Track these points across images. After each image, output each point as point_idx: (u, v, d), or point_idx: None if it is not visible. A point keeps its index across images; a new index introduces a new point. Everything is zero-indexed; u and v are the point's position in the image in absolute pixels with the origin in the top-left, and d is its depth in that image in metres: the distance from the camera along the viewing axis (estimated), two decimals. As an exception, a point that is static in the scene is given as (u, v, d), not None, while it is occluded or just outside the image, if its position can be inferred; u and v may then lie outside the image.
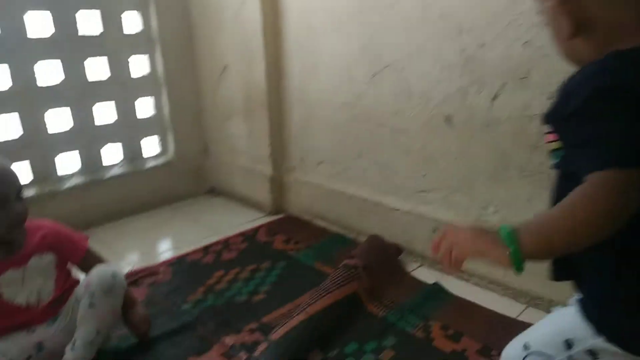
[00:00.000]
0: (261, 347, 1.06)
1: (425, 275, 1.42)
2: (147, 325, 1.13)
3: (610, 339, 0.62)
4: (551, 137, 0.61)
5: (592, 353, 0.63)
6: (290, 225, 1.79)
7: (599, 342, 0.62)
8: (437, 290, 1.32)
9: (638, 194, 0.52)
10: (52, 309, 1.03)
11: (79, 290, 1.03)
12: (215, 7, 1.84)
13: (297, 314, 1.15)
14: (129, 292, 1.10)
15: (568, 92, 0.58)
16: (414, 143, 1.44)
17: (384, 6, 1.39)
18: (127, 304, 1.09)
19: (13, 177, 0.97)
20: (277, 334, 1.09)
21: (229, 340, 1.14)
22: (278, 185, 1.89)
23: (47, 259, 1.03)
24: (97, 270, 1.03)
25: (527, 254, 0.55)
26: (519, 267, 0.55)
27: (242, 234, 1.71)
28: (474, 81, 1.26)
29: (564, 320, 0.68)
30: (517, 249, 0.55)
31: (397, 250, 1.50)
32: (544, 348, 0.67)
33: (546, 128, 0.63)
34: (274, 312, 1.25)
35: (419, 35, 1.34)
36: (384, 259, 1.39)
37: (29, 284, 1.00)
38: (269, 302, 1.29)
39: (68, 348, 0.98)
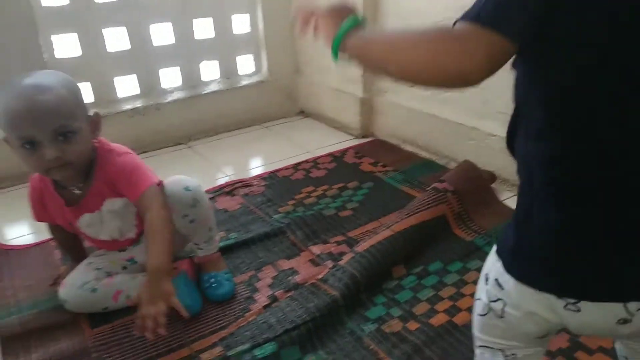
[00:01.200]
0: (347, 257, 1.10)
1: (519, 204, 1.36)
2: None
3: (500, 257, 0.54)
4: None
5: (499, 284, 0.54)
6: (378, 148, 1.77)
7: (500, 268, 0.54)
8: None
9: (492, 62, 0.46)
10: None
11: None
12: None
13: (383, 231, 1.16)
14: None
15: None
16: (520, 63, 1.32)
17: None
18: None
19: (50, 115, 0.83)
20: (362, 247, 1.11)
21: (316, 249, 1.19)
22: (368, 107, 1.86)
23: (119, 203, 0.96)
24: (170, 193, 0.96)
25: (347, 47, 0.56)
26: (334, 54, 0.58)
27: (330, 154, 1.73)
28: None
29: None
30: (340, 39, 0.57)
31: (491, 177, 1.44)
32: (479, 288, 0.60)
33: None
34: (359, 227, 1.27)
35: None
36: (475, 186, 1.34)
37: (108, 224, 0.98)
38: (355, 218, 1.32)
39: (195, 250, 1.06)
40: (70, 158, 0.86)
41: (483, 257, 1.08)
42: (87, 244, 1.09)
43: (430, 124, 1.65)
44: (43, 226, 1.08)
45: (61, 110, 0.84)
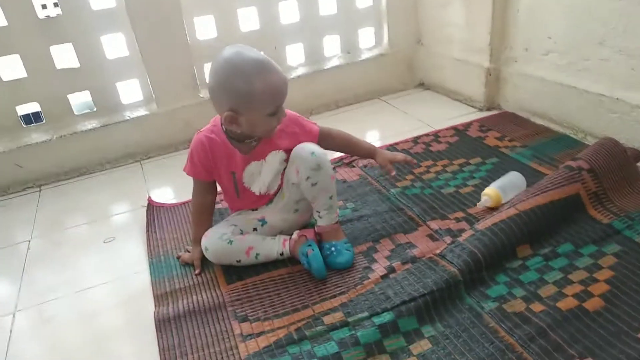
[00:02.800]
0: (466, 234, 1.07)
1: (671, 186, 1.20)
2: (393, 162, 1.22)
3: None
4: None
5: None
6: (505, 121, 1.67)
7: None
8: (685, 204, 1.12)
9: None
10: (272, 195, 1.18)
11: (289, 175, 1.12)
12: None
13: (507, 209, 1.11)
14: (360, 145, 1.24)
15: None
16: (683, 24, 1.15)
17: None
18: (370, 153, 1.23)
19: (287, 84, 1.02)
20: (483, 225, 1.08)
21: (435, 224, 1.19)
22: (494, 78, 1.76)
23: (280, 156, 1.12)
24: (298, 157, 1.08)
25: None
26: None
27: (453, 128, 1.68)
28: None
29: None
30: None
31: (636, 155, 1.29)
32: None
33: None
34: (484, 207, 1.23)
35: None
36: (617, 164, 1.21)
37: (264, 176, 1.12)
38: (477, 195, 1.28)
39: (316, 216, 1.13)
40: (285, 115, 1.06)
41: (622, 242, 1.01)
42: (234, 203, 1.20)
43: (566, 96, 1.52)
44: (185, 193, 1.21)
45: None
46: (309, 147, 1.08)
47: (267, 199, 1.17)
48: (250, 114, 0.99)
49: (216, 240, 1.10)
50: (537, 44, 1.58)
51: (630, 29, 1.27)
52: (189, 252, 1.19)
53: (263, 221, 1.16)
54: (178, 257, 1.20)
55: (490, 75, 1.75)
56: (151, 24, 1.63)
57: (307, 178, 1.07)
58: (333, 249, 1.10)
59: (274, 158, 1.12)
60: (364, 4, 1.98)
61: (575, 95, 1.48)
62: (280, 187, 1.17)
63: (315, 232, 1.13)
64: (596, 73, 1.41)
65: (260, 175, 1.12)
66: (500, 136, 1.58)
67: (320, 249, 1.11)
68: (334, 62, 1.99)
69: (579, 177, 1.15)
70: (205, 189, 1.15)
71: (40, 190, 1.66)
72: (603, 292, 0.91)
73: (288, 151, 1.12)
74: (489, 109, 1.80)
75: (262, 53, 1.00)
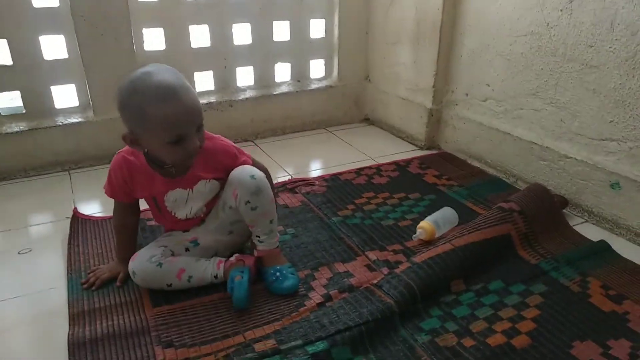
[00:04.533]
0: (403, 266, 1.08)
1: (591, 232, 1.29)
2: None
3: None
4: None
5: None
6: (444, 161, 1.74)
7: None
8: (602, 248, 1.20)
9: None
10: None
11: (226, 198, 1.07)
12: None
13: (443, 244, 1.13)
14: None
15: None
16: (607, 82, 1.26)
17: None
18: None
19: (197, 113, 0.94)
20: (420, 258, 1.09)
21: (373, 255, 1.19)
22: (436, 119, 1.84)
23: (211, 186, 1.07)
24: (237, 180, 1.03)
25: None
26: None
27: (394, 163, 1.72)
28: None
29: None
30: None
31: (562, 201, 1.37)
32: None
33: None
34: (418, 239, 1.25)
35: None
36: (544, 208, 1.29)
37: (191, 204, 1.06)
38: (414, 229, 1.30)
39: (255, 240, 1.08)
40: (202, 144, 0.98)
41: (548, 282, 1.06)
42: (160, 222, 1.14)
43: (501, 141, 1.60)
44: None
45: (200, 106, 0.95)
46: (248, 170, 1.05)
47: (197, 221, 1.11)
48: (148, 139, 0.94)
49: (145, 263, 1.03)
50: (477, 90, 1.67)
51: (561, 83, 1.38)
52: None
53: (195, 242, 1.11)
54: (90, 275, 1.10)
55: (432, 116, 1.82)
56: (96, 29, 1.56)
57: (247, 202, 1.03)
58: (278, 273, 1.06)
59: (204, 187, 1.06)
60: (317, 35, 2.02)
61: (510, 141, 1.57)
62: (210, 209, 1.11)
63: (256, 258, 1.09)
64: (529, 122, 1.50)
65: (185, 204, 1.06)
66: (439, 174, 1.63)
67: (264, 274, 1.07)
68: (284, 89, 2.00)
69: (510, 218, 1.20)
70: (125, 209, 1.09)
71: (-50, 193, 1.50)
72: (530, 330, 0.94)
73: (220, 179, 1.07)
74: (429, 148, 1.87)
75: (178, 77, 0.93)
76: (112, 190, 1.06)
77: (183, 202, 1.06)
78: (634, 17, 1.17)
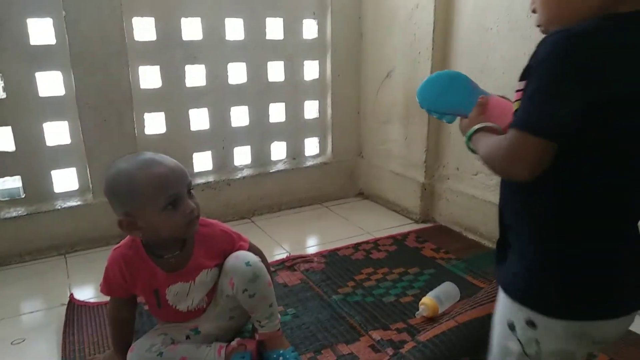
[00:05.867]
0: (408, 346, 1.06)
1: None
2: None
3: (534, 307, 0.64)
4: (518, 94, 0.62)
5: (531, 323, 0.65)
6: (440, 234, 1.76)
7: (529, 312, 0.64)
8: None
9: (539, 163, 0.58)
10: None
11: (223, 286, 1.06)
12: (388, 11, 1.90)
13: (447, 321, 1.12)
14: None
15: (537, 49, 0.60)
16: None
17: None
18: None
19: (183, 173, 0.96)
20: (425, 336, 1.08)
21: (377, 334, 1.17)
22: (429, 193, 1.88)
23: (212, 274, 1.06)
24: (233, 269, 1.04)
25: (472, 141, 0.74)
26: (467, 144, 0.75)
27: (391, 237, 1.73)
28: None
29: (500, 305, 0.71)
30: (468, 139, 0.75)
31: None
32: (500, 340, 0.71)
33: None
34: (421, 316, 1.24)
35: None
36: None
37: (192, 295, 1.05)
38: (416, 305, 1.29)
39: (257, 327, 1.06)
40: (198, 212, 0.98)
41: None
42: (158, 316, 1.11)
43: (494, 214, 1.62)
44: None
45: (184, 168, 0.98)
46: (243, 257, 1.05)
47: (199, 312, 1.09)
48: (144, 213, 0.93)
49: (144, 354, 1.00)
50: (467, 164, 1.73)
51: (547, 158, 1.43)
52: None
53: (196, 330, 1.08)
54: None
55: (425, 189, 1.87)
56: (100, 115, 1.62)
57: (244, 290, 1.03)
58: (281, 358, 1.04)
59: (205, 278, 1.05)
60: (311, 115, 2.11)
61: (503, 214, 1.60)
62: (211, 300, 1.10)
63: (258, 342, 1.07)
64: (520, 195, 1.54)
65: (187, 296, 1.05)
66: (436, 248, 1.64)
67: (266, 358, 1.04)
68: (280, 167, 2.05)
69: (512, 292, 1.20)
70: (122, 304, 1.06)
71: (-57, 281, 1.48)
72: (543, 411, 0.91)
73: (220, 266, 1.07)
74: (424, 221, 1.89)
75: (156, 153, 0.98)
76: (109, 288, 1.03)
77: (184, 294, 1.04)
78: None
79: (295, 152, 2.11)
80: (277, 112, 2.02)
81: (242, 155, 2.01)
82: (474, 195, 1.71)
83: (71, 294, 1.36)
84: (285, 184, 2.04)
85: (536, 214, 0.64)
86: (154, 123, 1.79)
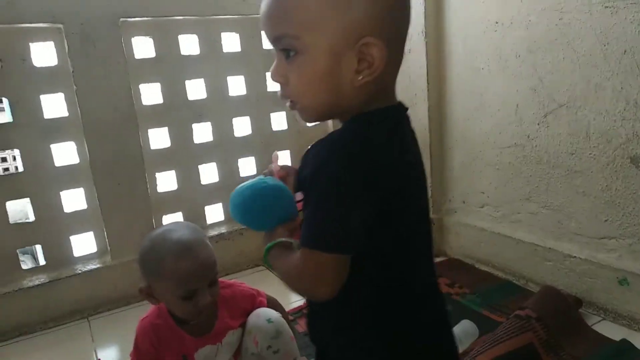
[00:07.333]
0: (433, 390, 1.08)
1: (609, 329, 1.30)
2: None
3: None
4: (299, 204, 0.63)
5: None
6: (452, 268, 1.78)
7: None
8: (625, 347, 1.20)
9: (339, 277, 0.58)
10: None
11: (247, 344, 1.08)
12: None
13: (468, 361, 1.14)
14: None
15: (308, 161, 0.62)
16: (594, 185, 1.35)
17: (558, 45, 1.36)
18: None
19: (211, 268, 0.98)
20: (448, 379, 1.10)
21: (400, 379, 1.19)
22: (438, 227, 1.91)
23: (237, 334, 1.09)
24: (255, 327, 1.07)
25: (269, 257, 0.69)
26: (264, 259, 0.70)
27: (405, 275, 1.76)
28: (665, 120, 1.16)
29: None
30: (265, 254, 0.70)
31: (576, 301, 1.40)
32: None
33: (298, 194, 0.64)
34: (442, 356, 1.25)
35: (596, 73, 1.29)
36: (560, 311, 1.31)
37: (220, 357, 1.08)
38: (436, 345, 1.30)
39: None
40: (215, 299, 1.01)
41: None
42: None
43: (504, 245, 1.66)
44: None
45: (214, 261, 1.00)
46: (264, 314, 1.08)
47: None
48: (161, 292, 0.99)
49: None
50: (473, 197, 1.77)
51: (551, 188, 1.47)
52: None
53: None
54: None
55: (434, 224, 1.90)
56: (114, 179, 1.68)
57: (268, 347, 1.05)
58: None
59: (232, 338, 1.09)
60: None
61: (512, 244, 1.63)
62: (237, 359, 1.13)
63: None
64: (528, 225, 1.58)
65: (215, 357, 1.08)
66: (450, 282, 1.66)
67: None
68: (289, 211, 2.09)
69: (529, 326, 1.22)
70: None
71: (-28, 355, 1.51)
72: None
73: (243, 325, 1.10)
74: (436, 256, 1.91)
75: (197, 233, 1.00)
76: (139, 357, 1.05)
77: (213, 357, 1.07)
78: (605, 126, 1.30)
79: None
80: (283, 159, 2.07)
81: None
82: (483, 227, 1.74)
83: (99, 359, 1.38)
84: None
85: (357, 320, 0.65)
86: (166, 181, 1.85)
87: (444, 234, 1.91)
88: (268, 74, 0.66)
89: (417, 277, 0.68)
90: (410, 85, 1.84)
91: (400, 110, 0.67)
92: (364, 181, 0.57)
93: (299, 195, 0.63)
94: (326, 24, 0.58)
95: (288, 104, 0.66)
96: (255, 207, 0.71)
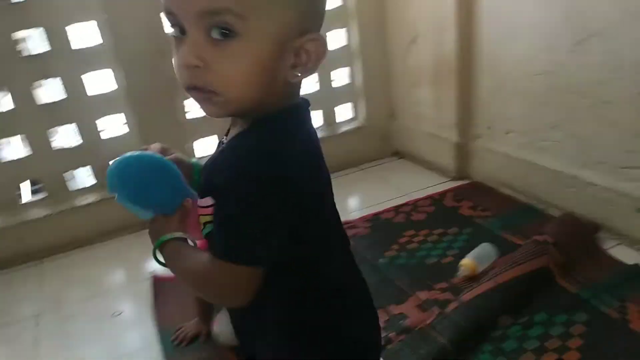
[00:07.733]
0: (452, 306, 1.20)
1: (624, 254, 1.38)
2: None
3: None
4: (204, 210, 0.60)
5: None
6: (476, 191, 1.85)
7: None
8: (637, 271, 1.29)
9: (254, 287, 0.57)
10: None
11: None
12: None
13: (486, 281, 1.25)
14: None
15: (218, 168, 0.59)
16: (622, 116, 1.36)
17: (596, -29, 1.31)
18: None
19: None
20: (467, 296, 1.21)
21: (423, 295, 1.31)
22: (463, 151, 1.95)
23: None
24: None
25: (163, 254, 0.63)
26: (154, 257, 0.64)
27: (429, 197, 1.84)
28: None
29: None
30: (155, 252, 0.64)
31: (594, 228, 1.47)
32: None
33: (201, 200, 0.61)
34: (462, 276, 1.36)
35: (632, 2, 1.25)
36: (577, 237, 1.39)
37: None
38: (456, 266, 1.41)
39: None
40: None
41: (589, 311, 1.17)
42: None
43: (528, 170, 1.71)
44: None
45: None
46: None
47: None
48: None
49: (227, 326, 1.10)
50: (499, 123, 1.79)
51: (578, 117, 1.49)
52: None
53: None
54: (178, 332, 1.23)
55: (459, 148, 1.94)
56: (149, 105, 1.76)
57: None
58: None
59: None
60: (341, 83, 2.17)
61: (536, 171, 1.67)
62: None
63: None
64: (553, 152, 1.61)
65: None
66: (473, 206, 1.74)
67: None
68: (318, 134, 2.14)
69: (546, 250, 1.31)
70: None
71: (42, 263, 1.70)
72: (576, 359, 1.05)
73: None
74: (460, 179, 1.97)
75: None
76: None
77: None
78: (638, 57, 1.28)
79: (329, 119, 2.20)
80: (310, 83, 2.09)
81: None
82: (507, 153, 1.78)
83: (153, 273, 1.54)
84: (324, 150, 2.13)
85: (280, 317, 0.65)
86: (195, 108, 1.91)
87: (469, 158, 1.95)
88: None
89: (334, 270, 0.69)
90: (438, 9, 1.79)
91: (307, 107, 0.66)
92: (285, 194, 0.56)
93: (207, 201, 0.59)
94: (279, 10, 0.52)
95: (199, 94, 0.56)
96: (143, 178, 0.62)
